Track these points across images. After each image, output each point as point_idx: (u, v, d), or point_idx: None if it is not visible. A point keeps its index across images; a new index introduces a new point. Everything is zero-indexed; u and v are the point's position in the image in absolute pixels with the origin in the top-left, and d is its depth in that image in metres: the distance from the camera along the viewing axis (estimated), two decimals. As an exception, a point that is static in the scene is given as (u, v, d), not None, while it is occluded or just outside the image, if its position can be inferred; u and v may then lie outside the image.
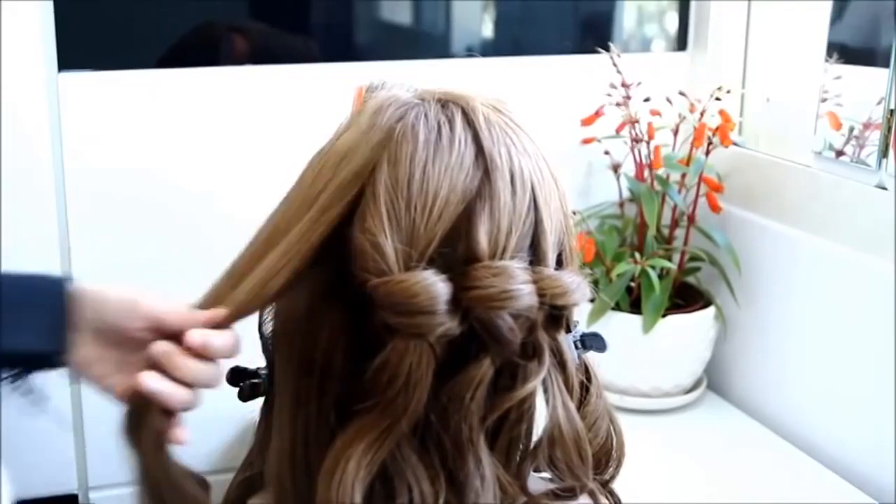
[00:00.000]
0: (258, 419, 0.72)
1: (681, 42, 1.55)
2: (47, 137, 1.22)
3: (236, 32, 1.33)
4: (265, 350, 0.71)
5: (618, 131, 1.44)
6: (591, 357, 0.73)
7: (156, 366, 0.67)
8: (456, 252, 0.63)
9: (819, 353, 1.31)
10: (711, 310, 1.42)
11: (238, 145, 1.32)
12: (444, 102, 0.67)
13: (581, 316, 1.12)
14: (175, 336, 0.67)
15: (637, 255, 1.37)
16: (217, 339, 0.67)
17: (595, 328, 1.34)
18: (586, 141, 1.47)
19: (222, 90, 1.30)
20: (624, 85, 1.41)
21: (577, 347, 0.70)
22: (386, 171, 0.63)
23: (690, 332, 1.40)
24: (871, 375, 1.22)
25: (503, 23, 1.46)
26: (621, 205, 1.51)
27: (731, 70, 1.53)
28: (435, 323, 0.61)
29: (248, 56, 1.33)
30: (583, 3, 1.50)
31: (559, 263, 0.68)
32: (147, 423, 0.66)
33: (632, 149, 1.43)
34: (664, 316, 1.37)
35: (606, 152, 1.49)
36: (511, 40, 1.46)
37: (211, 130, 1.30)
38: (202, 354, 0.67)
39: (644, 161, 1.43)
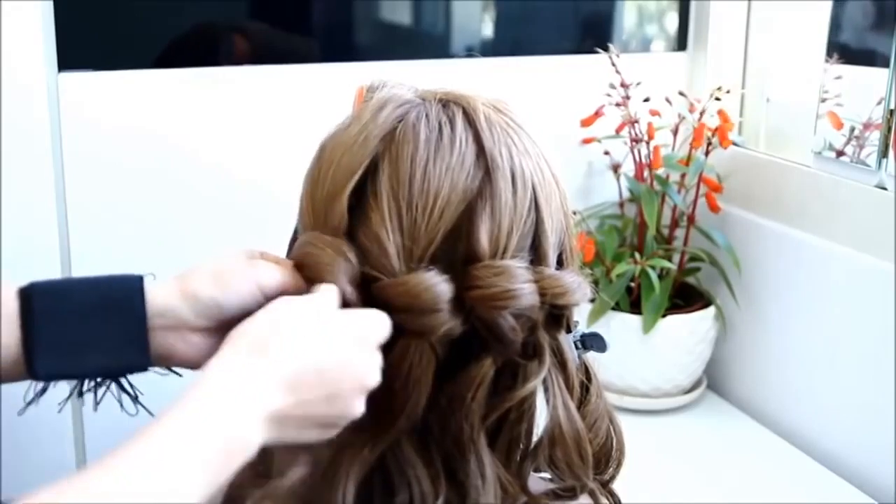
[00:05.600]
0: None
1: (681, 42, 1.55)
2: (47, 137, 1.22)
3: (236, 32, 1.33)
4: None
5: (617, 131, 1.44)
6: (591, 357, 0.73)
7: None
8: (457, 251, 0.63)
9: (819, 353, 1.31)
10: (711, 310, 1.42)
11: (238, 146, 1.31)
12: (446, 102, 0.67)
13: (581, 316, 1.12)
14: None
15: (637, 255, 1.37)
16: None
17: (595, 328, 1.34)
18: (586, 141, 1.47)
19: (222, 90, 1.30)
20: (623, 85, 1.41)
21: (577, 347, 0.71)
22: (387, 171, 0.64)
23: (690, 332, 1.40)
24: (871, 375, 1.22)
25: (503, 23, 1.46)
26: (621, 205, 1.51)
27: (731, 70, 1.53)
28: (438, 322, 0.61)
29: (248, 56, 1.32)
30: (583, 3, 1.50)
31: (559, 263, 0.68)
32: None
33: (631, 149, 1.43)
34: (664, 316, 1.37)
35: (606, 152, 1.49)
36: (511, 40, 1.46)
37: (211, 131, 1.30)
38: None
39: (644, 161, 1.43)
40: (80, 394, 0.65)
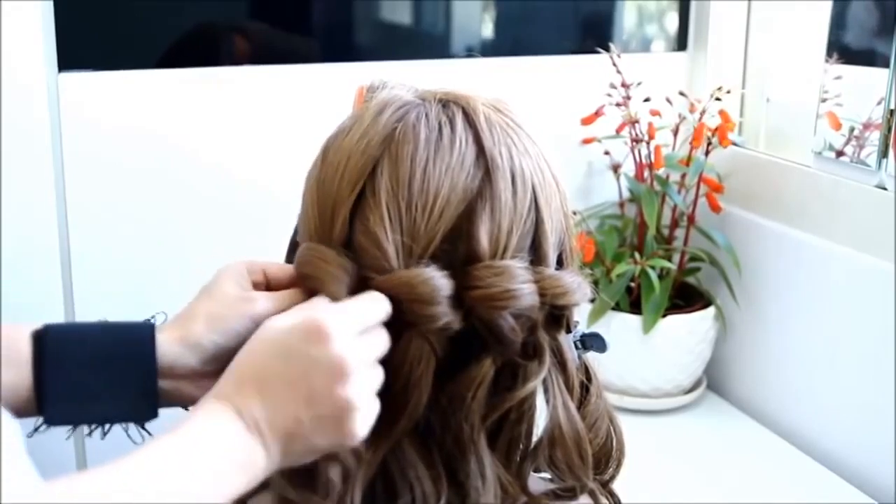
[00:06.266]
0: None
1: (681, 42, 1.55)
2: (47, 137, 1.22)
3: (236, 32, 1.33)
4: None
5: (618, 131, 1.44)
6: (591, 357, 0.73)
7: None
8: (457, 252, 0.63)
9: (819, 354, 1.31)
10: (711, 310, 1.42)
11: (238, 146, 1.31)
12: (445, 102, 0.67)
13: (581, 316, 1.12)
14: None
15: (637, 255, 1.37)
16: None
17: (595, 328, 1.34)
18: (586, 141, 1.47)
19: (222, 90, 1.30)
20: (624, 85, 1.41)
21: (577, 347, 0.70)
22: (387, 171, 0.64)
23: (690, 332, 1.40)
24: (870, 375, 1.22)
25: (503, 23, 1.46)
26: (621, 205, 1.51)
27: (731, 70, 1.53)
28: (436, 313, 0.61)
29: (249, 56, 1.32)
30: (583, 3, 1.50)
31: (559, 263, 0.68)
32: None
33: (632, 149, 1.43)
34: (664, 316, 1.37)
35: (606, 152, 1.49)
36: (511, 40, 1.46)
37: (211, 131, 1.30)
38: None
39: (644, 161, 1.43)
40: (90, 433, 0.66)
